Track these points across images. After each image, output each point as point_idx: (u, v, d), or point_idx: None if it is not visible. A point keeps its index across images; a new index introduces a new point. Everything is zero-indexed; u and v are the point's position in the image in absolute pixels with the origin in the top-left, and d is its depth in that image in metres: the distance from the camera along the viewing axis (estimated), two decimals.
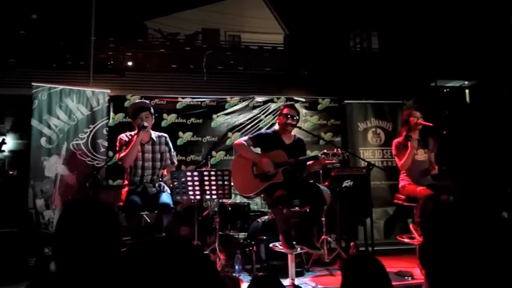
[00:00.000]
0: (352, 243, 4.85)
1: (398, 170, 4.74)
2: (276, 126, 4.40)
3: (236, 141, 4.23)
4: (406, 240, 4.56)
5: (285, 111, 4.19)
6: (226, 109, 6.27)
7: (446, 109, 9.03)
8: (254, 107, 6.34)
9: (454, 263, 0.92)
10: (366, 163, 4.50)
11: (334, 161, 4.14)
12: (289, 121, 4.12)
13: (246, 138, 4.19)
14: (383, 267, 1.97)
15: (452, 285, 0.92)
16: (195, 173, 3.96)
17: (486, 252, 0.90)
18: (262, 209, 5.73)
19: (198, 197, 3.99)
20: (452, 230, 0.96)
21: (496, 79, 9.50)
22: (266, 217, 4.89)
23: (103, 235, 1.43)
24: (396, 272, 4.32)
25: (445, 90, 10.17)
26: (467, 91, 10.27)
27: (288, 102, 4.61)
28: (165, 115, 6.02)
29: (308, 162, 4.14)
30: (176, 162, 4.46)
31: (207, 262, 0.83)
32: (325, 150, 3.99)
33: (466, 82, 10.49)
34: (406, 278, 4.18)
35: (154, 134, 4.24)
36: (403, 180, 4.61)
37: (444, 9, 10.59)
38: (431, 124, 4.59)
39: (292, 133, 4.28)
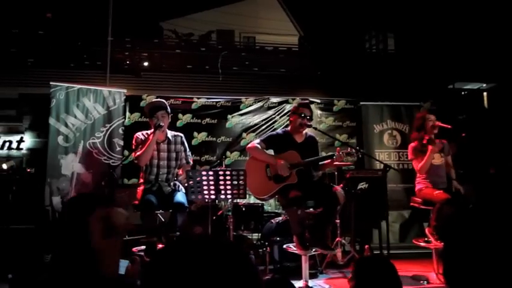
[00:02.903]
0: (366, 246, 4.80)
1: (414, 173, 4.68)
2: (288, 127, 4.33)
3: (249, 145, 4.19)
4: (422, 244, 4.49)
5: (300, 110, 4.11)
6: (241, 110, 6.27)
7: (463, 112, 8.90)
8: (269, 108, 6.34)
9: (475, 268, 0.90)
10: (382, 165, 4.45)
11: (348, 163, 4.10)
12: (304, 121, 4.07)
13: (258, 141, 4.15)
14: (395, 269, 1.95)
15: None
16: (210, 173, 3.95)
17: (506, 257, 0.87)
18: (276, 210, 5.71)
19: (212, 197, 3.98)
20: (473, 235, 0.93)
21: None
22: (280, 218, 4.87)
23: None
24: (411, 276, 4.26)
25: (462, 93, 10.02)
26: (485, 94, 10.11)
27: (303, 102, 4.50)
28: (180, 115, 6.05)
29: (321, 162, 4.10)
30: (191, 162, 4.47)
31: (250, 264, 0.80)
32: (338, 149, 3.94)
33: (484, 85, 10.32)
34: (421, 282, 4.13)
35: (170, 133, 4.26)
36: (420, 184, 4.55)
37: (462, 10, 10.44)
38: (449, 126, 4.52)
39: (304, 131, 4.23)
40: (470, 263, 0.91)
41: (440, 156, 4.55)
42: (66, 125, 5.50)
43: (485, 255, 0.89)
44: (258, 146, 4.05)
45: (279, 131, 4.50)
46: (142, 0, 13.45)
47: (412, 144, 4.60)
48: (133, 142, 4.16)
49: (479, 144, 7.42)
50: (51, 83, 5.62)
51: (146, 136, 4.12)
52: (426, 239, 4.46)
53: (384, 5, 12.94)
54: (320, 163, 4.10)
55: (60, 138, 5.45)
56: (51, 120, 5.46)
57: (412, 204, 4.64)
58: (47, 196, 5.24)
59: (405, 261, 4.92)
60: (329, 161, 4.01)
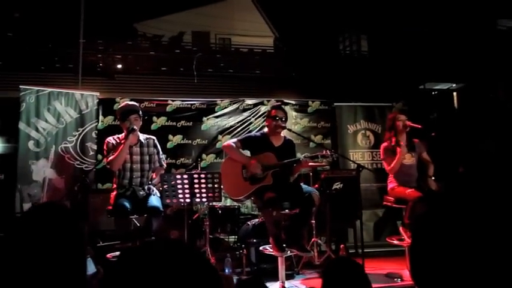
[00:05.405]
0: (342, 246, 4.87)
1: (387, 172, 4.77)
2: (265, 129, 4.37)
3: (225, 143, 4.24)
4: (395, 242, 4.57)
5: (273, 113, 4.16)
6: (217, 112, 6.26)
7: (434, 111, 9.12)
8: (244, 110, 6.35)
9: (442, 265, 0.92)
10: (356, 165, 4.52)
11: (319, 164, 4.15)
12: (278, 123, 4.11)
13: (235, 140, 4.18)
14: (362, 268, 1.99)
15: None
16: (185, 176, 3.93)
17: (476, 254, 0.89)
18: (253, 212, 5.73)
19: (188, 200, 3.96)
20: (441, 231, 0.95)
21: (484, 82, 9.62)
22: (256, 220, 4.88)
23: (62, 247, 1.13)
24: (386, 274, 4.34)
25: (433, 93, 10.27)
26: (455, 94, 10.38)
27: (276, 104, 4.55)
28: (154, 118, 6.00)
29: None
30: (165, 165, 4.43)
31: (205, 261, 0.82)
32: (307, 154, 4.01)
33: (454, 85, 10.60)
34: (395, 279, 4.20)
35: (142, 137, 4.22)
36: (392, 183, 4.64)
37: (432, 12, 10.71)
38: (419, 126, 4.62)
39: (282, 134, 4.27)
40: (438, 261, 0.93)
41: (411, 156, 4.64)
42: (37, 130, 5.38)
43: (453, 254, 0.91)
44: (234, 145, 4.09)
45: (257, 133, 4.53)
46: (116, 1, 13.24)
47: (384, 144, 4.69)
48: (105, 147, 4.10)
49: (449, 143, 7.62)
50: (20, 86, 5.48)
51: (118, 140, 4.06)
52: (399, 237, 4.55)
53: (357, 6, 13.13)
54: (293, 166, 4.12)
55: (30, 143, 5.32)
56: (21, 125, 5.32)
57: (385, 203, 4.73)
58: (17, 203, 5.11)
59: (379, 259, 5.02)
60: (300, 164, 4.04)
